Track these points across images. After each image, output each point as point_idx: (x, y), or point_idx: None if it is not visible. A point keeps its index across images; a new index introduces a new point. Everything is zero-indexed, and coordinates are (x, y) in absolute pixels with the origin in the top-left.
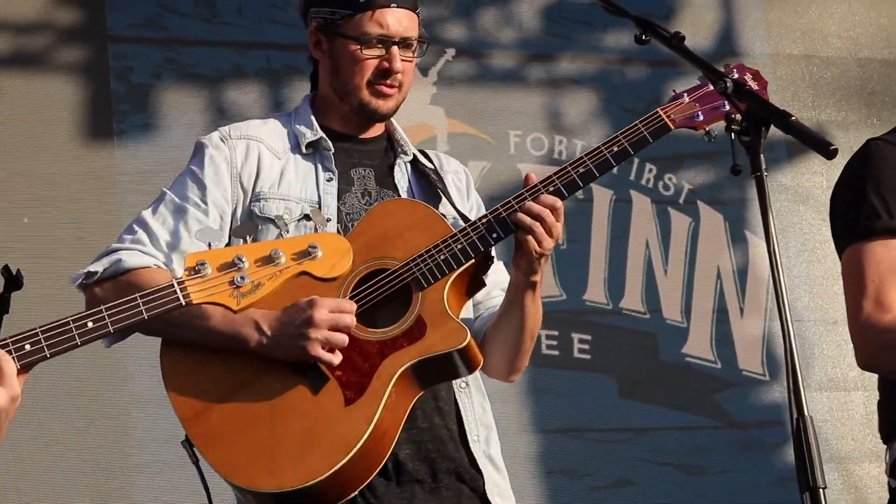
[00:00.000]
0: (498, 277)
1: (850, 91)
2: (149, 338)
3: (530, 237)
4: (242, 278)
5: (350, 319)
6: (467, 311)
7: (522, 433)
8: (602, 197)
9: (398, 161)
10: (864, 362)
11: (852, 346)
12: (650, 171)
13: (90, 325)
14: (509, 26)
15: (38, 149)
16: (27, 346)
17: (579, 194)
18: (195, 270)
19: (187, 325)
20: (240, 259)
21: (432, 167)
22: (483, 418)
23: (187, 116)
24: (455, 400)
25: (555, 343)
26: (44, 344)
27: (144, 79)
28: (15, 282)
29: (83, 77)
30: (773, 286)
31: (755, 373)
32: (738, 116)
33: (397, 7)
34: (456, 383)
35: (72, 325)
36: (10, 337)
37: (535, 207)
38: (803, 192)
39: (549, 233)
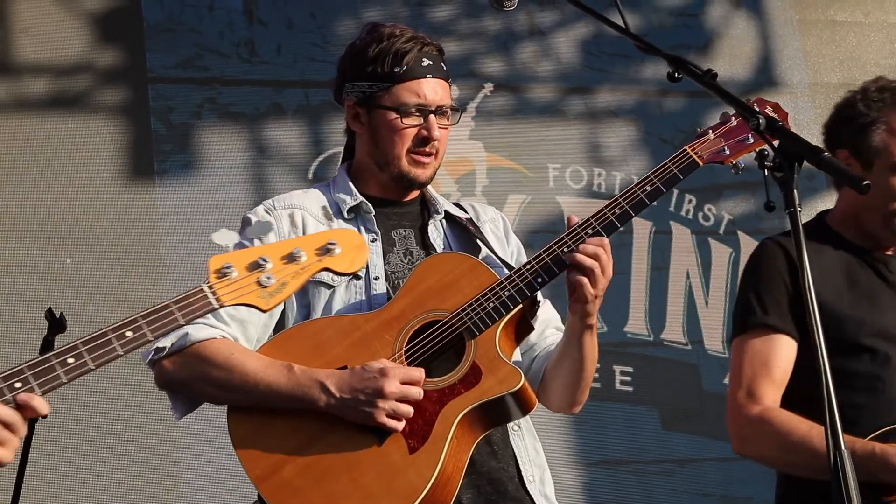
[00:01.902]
0: (548, 316)
1: None
2: None
3: (585, 279)
4: (269, 278)
5: (417, 392)
6: (516, 354)
7: (566, 466)
8: (642, 228)
9: (431, 220)
10: (737, 449)
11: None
12: (690, 201)
13: (129, 334)
14: (547, 59)
15: (80, 189)
16: (70, 360)
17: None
18: (222, 273)
19: (254, 391)
20: (264, 259)
21: (468, 217)
22: (537, 459)
23: (228, 155)
24: (510, 443)
25: (597, 375)
26: (87, 357)
27: (185, 118)
28: (58, 325)
29: (124, 117)
30: (808, 321)
31: None
32: (771, 153)
33: (432, 77)
34: (510, 427)
35: (111, 336)
36: (54, 352)
37: (591, 248)
38: None
39: (604, 272)
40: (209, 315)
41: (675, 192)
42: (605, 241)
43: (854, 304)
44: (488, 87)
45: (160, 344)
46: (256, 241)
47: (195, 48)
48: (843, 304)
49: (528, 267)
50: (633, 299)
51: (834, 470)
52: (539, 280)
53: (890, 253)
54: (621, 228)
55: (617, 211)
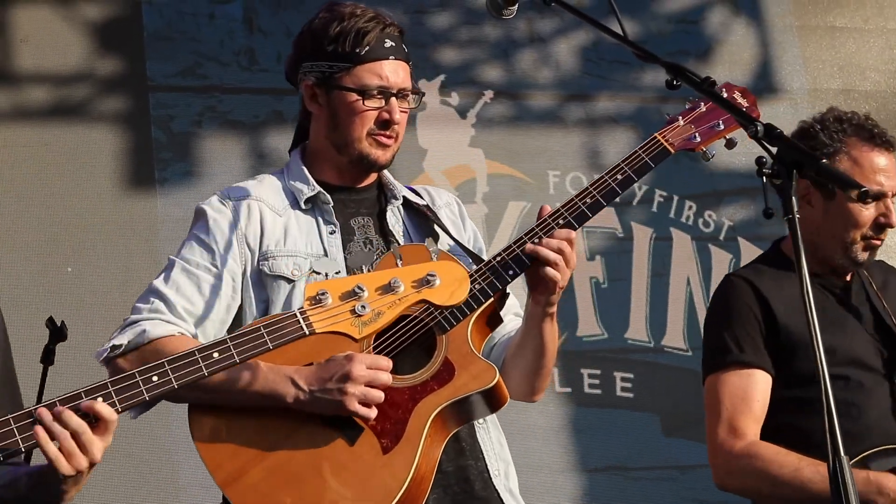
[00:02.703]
0: (509, 301)
1: (889, 124)
2: None
3: (551, 270)
4: (363, 307)
5: (386, 377)
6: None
7: (567, 472)
8: (642, 235)
9: (389, 207)
10: (719, 483)
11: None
12: (690, 208)
13: (216, 355)
14: (547, 67)
15: (80, 198)
16: (154, 378)
17: (619, 232)
18: (316, 300)
19: (221, 389)
20: (360, 288)
21: (424, 203)
22: (502, 453)
23: (228, 163)
24: (477, 437)
25: (597, 382)
26: (172, 376)
27: (185, 127)
28: (59, 334)
29: (124, 126)
30: (808, 329)
31: None
32: (769, 160)
33: (395, 59)
34: (476, 421)
35: (197, 356)
36: (139, 369)
37: (554, 242)
38: None
39: (568, 264)
40: (164, 310)
41: (676, 198)
42: (571, 233)
43: (823, 333)
44: (488, 94)
45: (116, 341)
46: (212, 236)
47: (195, 57)
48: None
49: (499, 259)
50: (634, 306)
51: (833, 476)
52: (510, 273)
53: (848, 279)
54: (591, 218)
55: (588, 201)
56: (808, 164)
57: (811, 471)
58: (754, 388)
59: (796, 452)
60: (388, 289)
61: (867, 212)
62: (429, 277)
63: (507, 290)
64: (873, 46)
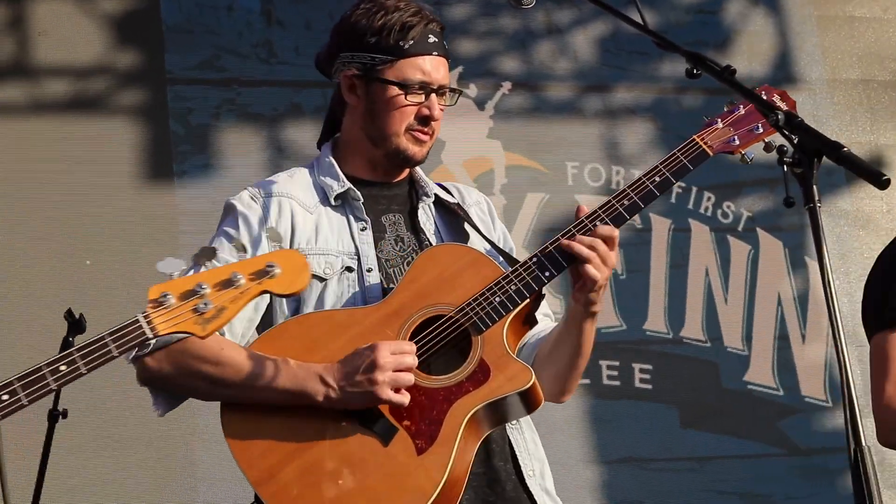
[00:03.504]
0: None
1: None
2: None
3: (588, 267)
4: (206, 304)
5: (412, 359)
6: None
7: (585, 464)
8: (660, 226)
9: (421, 204)
10: (884, 440)
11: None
12: (709, 199)
13: (63, 369)
14: (565, 58)
15: (99, 191)
16: (3, 396)
17: (637, 224)
18: (158, 302)
19: (252, 386)
20: (201, 286)
21: (455, 202)
22: (536, 453)
23: (246, 156)
24: (508, 438)
25: (616, 373)
26: (21, 394)
27: (203, 119)
28: (78, 326)
29: (143, 119)
30: (830, 320)
31: (818, 399)
32: (790, 148)
33: (437, 55)
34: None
35: (45, 371)
36: None
37: (588, 239)
38: (863, 216)
39: (605, 262)
40: None
41: (695, 189)
42: (614, 231)
43: None
44: (506, 85)
45: None
46: (241, 232)
47: (213, 49)
48: None
49: (534, 260)
50: (652, 297)
51: (854, 466)
52: (546, 274)
53: None
54: (628, 220)
55: (626, 202)
56: (829, 152)
57: None
58: None
59: None
60: (229, 283)
61: None
62: (268, 268)
63: (543, 291)
64: (893, 36)
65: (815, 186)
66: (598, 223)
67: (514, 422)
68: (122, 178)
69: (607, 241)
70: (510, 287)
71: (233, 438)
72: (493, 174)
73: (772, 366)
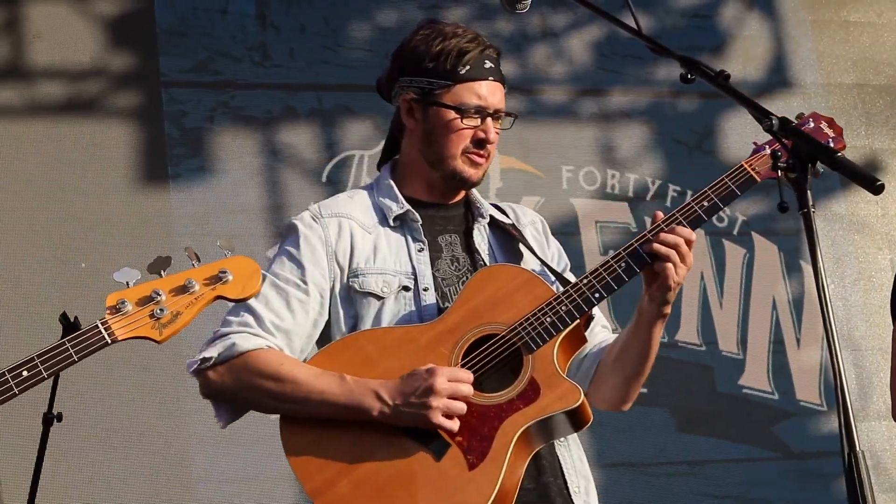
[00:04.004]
0: (595, 313)
1: None
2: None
3: (669, 266)
4: (161, 310)
5: (467, 389)
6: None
7: None
8: None
9: (476, 225)
10: None
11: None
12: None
13: (25, 373)
14: (560, 61)
15: (93, 193)
16: None
17: (633, 228)
18: (116, 309)
19: (309, 401)
20: (157, 293)
21: (510, 222)
22: (582, 470)
23: (241, 158)
24: (557, 455)
25: None
26: None
27: (198, 122)
28: (73, 329)
29: (137, 121)
30: (824, 324)
31: (813, 403)
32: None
33: (493, 80)
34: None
35: (8, 377)
36: None
37: (671, 238)
38: (858, 220)
39: (684, 261)
40: (253, 324)
41: (689, 193)
42: (688, 231)
43: None
44: None
45: (206, 354)
46: (303, 251)
47: (208, 52)
48: None
49: (585, 282)
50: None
51: (849, 470)
52: (597, 296)
53: None
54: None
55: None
56: (823, 157)
57: None
58: None
59: None
60: (184, 289)
61: None
62: (220, 274)
63: (594, 314)
64: (887, 41)
65: (809, 191)
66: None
67: (562, 439)
68: (117, 181)
69: (687, 241)
70: (561, 308)
71: (292, 451)
72: (487, 178)
73: (767, 370)
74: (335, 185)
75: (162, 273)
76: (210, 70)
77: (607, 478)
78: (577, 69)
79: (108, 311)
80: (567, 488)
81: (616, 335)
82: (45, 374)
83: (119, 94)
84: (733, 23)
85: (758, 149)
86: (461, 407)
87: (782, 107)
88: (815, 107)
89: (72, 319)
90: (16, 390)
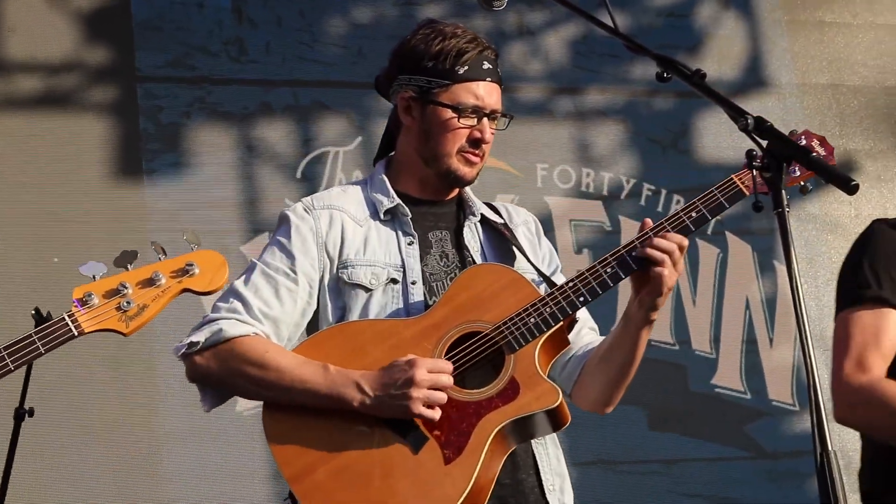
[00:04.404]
0: (582, 315)
1: (877, 119)
2: (179, 372)
3: (661, 270)
4: (128, 303)
5: (447, 379)
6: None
7: None
8: (630, 229)
9: (467, 223)
10: (839, 417)
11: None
12: (677, 202)
13: None
14: (536, 59)
15: (68, 188)
16: None
17: (607, 226)
18: (83, 302)
19: (292, 389)
20: (123, 286)
21: (502, 222)
22: (558, 468)
23: (216, 154)
24: (532, 452)
25: None
26: None
27: (173, 118)
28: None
29: (113, 116)
30: (797, 324)
31: (785, 403)
32: (760, 153)
33: (491, 81)
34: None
35: None
36: None
37: (665, 243)
38: (831, 221)
39: (675, 267)
40: (242, 311)
41: (664, 192)
42: (681, 237)
43: None
44: None
45: (193, 338)
46: (293, 242)
47: (184, 47)
48: None
49: (571, 285)
50: (621, 300)
51: (821, 470)
52: (581, 300)
53: None
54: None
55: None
56: (798, 157)
57: None
58: (887, 327)
59: None
60: (150, 282)
61: None
62: (187, 267)
63: (578, 318)
64: (862, 42)
65: (783, 192)
66: (633, 253)
67: (541, 438)
68: (92, 176)
69: (680, 247)
70: (545, 310)
71: (272, 437)
72: None
73: (740, 369)
74: (310, 180)
75: (129, 267)
76: (186, 65)
77: (579, 476)
78: (553, 67)
79: (74, 304)
80: (541, 485)
81: (602, 338)
82: (11, 366)
83: (94, 88)
84: (709, 22)
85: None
86: (441, 397)
87: (757, 106)
88: (789, 107)
89: (45, 314)
90: None
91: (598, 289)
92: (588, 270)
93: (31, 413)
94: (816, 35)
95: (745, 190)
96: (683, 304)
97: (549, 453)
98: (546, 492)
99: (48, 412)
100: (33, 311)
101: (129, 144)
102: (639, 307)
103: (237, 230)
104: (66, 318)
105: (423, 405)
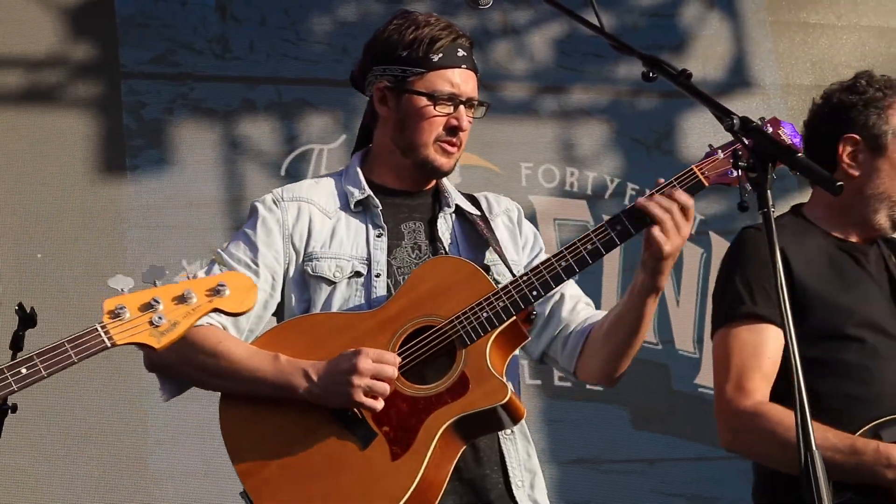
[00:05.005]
0: (575, 292)
1: None
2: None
3: (656, 230)
4: (160, 318)
5: (391, 370)
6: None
7: None
8: None
9: (441, 214)
10: (726, 443)
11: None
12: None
13: (24, 371)
14: (521, 58)
15: (50, 184)
16: None
17: (591, 226)
18: (115, 314)
19: (242, 378)
20: (156, 300)
21: (479, 213)
22: (528, 463)
23: (199, 151)
24: (499, 447)
25: None
26: None
27: (157, 114)
28: (29, 320)
29: (96, 112)
30: (781, 324)
31: None
32: (746, 153)
33: (466, 68)
34: (502, 431)
35: (7, 374)
36: None
37: (665, 201)
38: None
39: (678, 230)
40: None
41: (648, 191)
42: (686, 197)
43: (842, 293)
44: None
45: None
46: (259, 234)
47: (168, 44)
48: (831, 293)
49: (525, 279)
50: (605, 300)
51: (804, 470)
52: (534, 293)
53: (866, 244)
54: (619, 245)
55: (619, 227)
56: (783, 157)
57: (819, 436)
58: (765, 345)
59: None
60: (183, 299)
61: None
62: (219, 287)
63: (535, 312)
64: (846, 43)
65: (769, 192)
66: (588, 247)
67: (508, 432)
68: (75, 172)
69: (684, 209)
70: (498, 304)
71: (226, 429)
72: None
73: None
74: (294, 178)
75: (156, 283)
76: (169, 62)
77: (561, 474)
78: (537, 66)
79: (106, 315)
80: (507, 481)
81: (604, 312)
82: (44, 373)
83: (78, 84)
84: (693, 22)
85: (711, 153)
86: (384, 388)
87: (741, 107)
88: (773, 107)
89: (28, 310)
90: (15, 387)
91: (551, 282)
92: (543, 264)
93: (13, 409)
94: (801, 36)
95: (703, 181)
96: (667, 303)
97: (518, 448)
98: (513, 487)
99: (33, 411)
100: (17, 308)
101: (112, 141)
102: (642, 271)
103: (220, 227)
104: (99, 328)
105: (365, 394)
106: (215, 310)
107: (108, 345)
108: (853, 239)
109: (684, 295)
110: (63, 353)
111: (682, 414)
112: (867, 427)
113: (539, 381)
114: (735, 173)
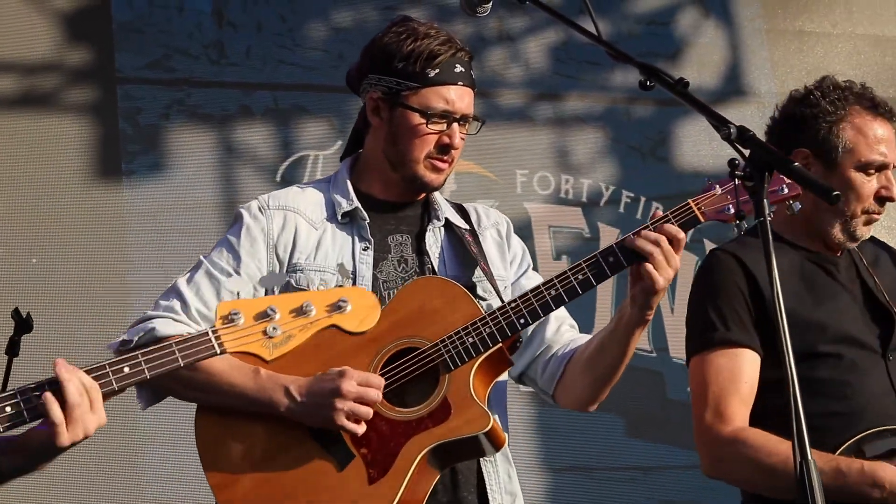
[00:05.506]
0: (561, 314)
1: None
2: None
3: (648, 266)
4: (275, 329)
5: (375, 395)
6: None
7: (530, 472)
8: (609, 236)
9: (430, 227)
10: (707, 470)
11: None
12: (656, 209)
13: (126, 370)
14: (516, 65)
15: (47, 189)
16: None
17: (586, 233)
18: (228, 319)
19: (221, 392)
20: (272, 310)
21: (468, 227)
22: (508, 486)
23: (195, 156)
24: (479, 470)
25: None
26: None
27: (153, 119)
28: (25, 325)
29: (92, 117)
30: (777, 332)
31: None
32: (742, 162)
33: (462, 85)
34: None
35: (108, 370)
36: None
37: (653, 235)
38: None
39: (668, 262)
40: (179, 311)
41: (643, 199)
42: (680, 232)
43: (814, 309)
44: None
45: (126, 336)
46: (242, 242)
47: (164, 49)
48: (803, 310)
49: (513, 305)
50: (599, 306)
51: (800, 480)
52: (521, 321)
53: (838, 255)
54: (609, 277)
55: (611, 259)
56: (780, 166)
57: None
58: (742, 369)
59: (784, 437)
60: (301, 312)
61: (870, 184)
62: (340, 303)
63: (521, 339)
64: (841, 51)
65: (765, 201)
66: (580, 277)
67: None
68: (70, 177)
69: (673, 240)
70: (485, 329)
71: (201, 441)
72: None
73: None
74: (289, 184)
75: (274, 290)
76: (166, 67)
77: (555, 482)
78: (533, 73)
79: (219, 320)
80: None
81: (590, 335)
82: (147, 374)
83: (74, 89)
84: (689, 30)
85: (708, 187)
86: (366, 412)
87: (736, 115)
88: (768, 116)
89: (24, 315)
90: (115, 386)
91: (539, 310)
92: (532, 291)
93: None
94: (796, 44)
95: (699, 216)
96: (662, 311)
97: (499, 470)
98: None
99: None
100: (12, 312)
101: (108, 146)
102: (631, 305)
103: (216, 233)
104: (210, 334)
105: (347, 417)
106: (333, 325)
107: (218, 352)
108: (823, 250)
109: (679, 303)
110: (170, 355)
111: (676, 422)
112: (849, 442)
113: (532, 389)
114: (731, 210)
